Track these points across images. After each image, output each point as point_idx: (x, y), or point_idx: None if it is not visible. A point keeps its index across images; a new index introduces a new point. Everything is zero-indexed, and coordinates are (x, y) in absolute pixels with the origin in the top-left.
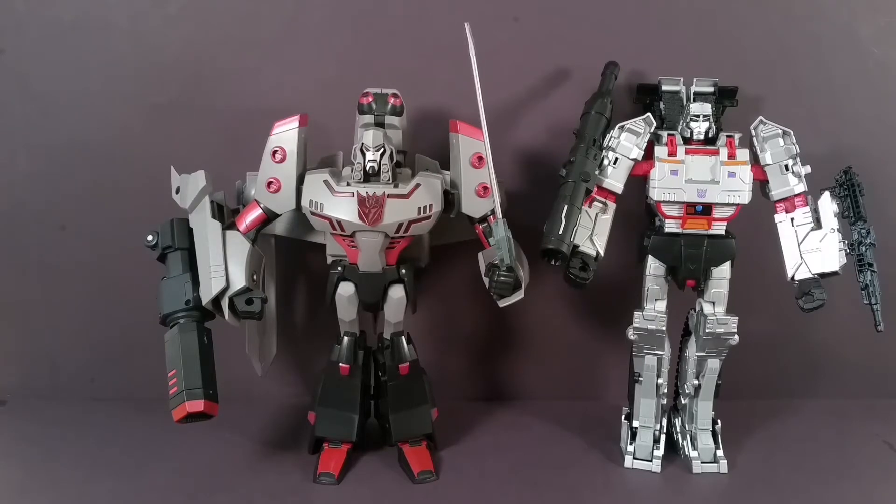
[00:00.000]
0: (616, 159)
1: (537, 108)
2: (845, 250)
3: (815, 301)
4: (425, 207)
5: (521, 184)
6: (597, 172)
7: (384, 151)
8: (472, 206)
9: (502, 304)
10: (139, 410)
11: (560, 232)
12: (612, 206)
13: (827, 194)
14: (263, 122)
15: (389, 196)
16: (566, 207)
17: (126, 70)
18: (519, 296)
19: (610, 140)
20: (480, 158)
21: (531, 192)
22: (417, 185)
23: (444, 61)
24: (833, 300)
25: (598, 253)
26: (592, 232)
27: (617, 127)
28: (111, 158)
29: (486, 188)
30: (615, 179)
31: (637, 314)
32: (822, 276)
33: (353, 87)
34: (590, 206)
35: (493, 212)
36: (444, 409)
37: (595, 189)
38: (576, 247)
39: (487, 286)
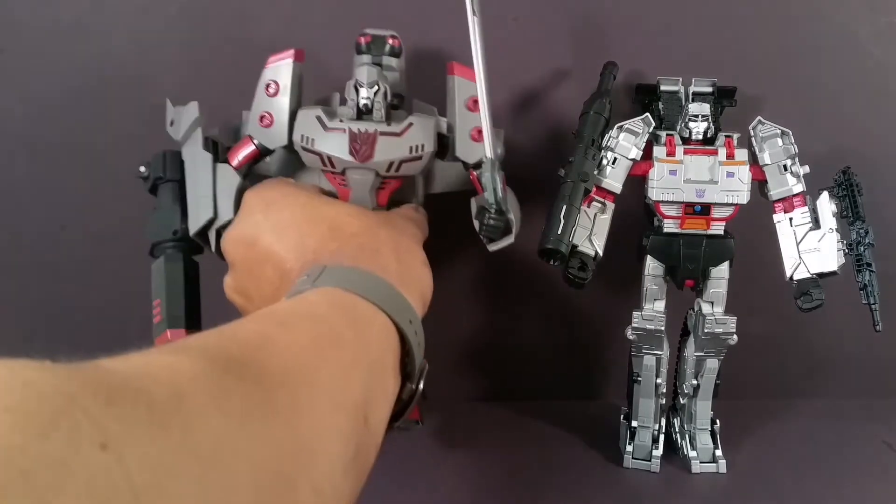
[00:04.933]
0: (615, 159)
1: (537, 108)
2: (844, 250)
3: (814, 301)
4: (417, 147)
5: (521, 184)
6: (595, 172)
7: (378, 89)
8: (466, 150)
9: (492, 248)
10: None
11: (559, 232)
12: (610, 206)
13: (825, 194)
14: None
15: (381, 134)
16: (565, 207)
17: (126, 70)
18: (509, 240)
19: (608, 140)
20: (476, 101)
21: (531, 192)
22: (410, 125)
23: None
24: (832, 300)
25: (596, 253)
26: (591, 232)
27: (616, 127)
28: (111, 158)
29: (480, 132)
30: (614, 179)
31: (636, 314)
32: (821, 275)
33: (351, 33)
34: (588, 206)
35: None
36: (444, 409)
37: (594, 189)
38: (574, 247)
39: (477, 229)
